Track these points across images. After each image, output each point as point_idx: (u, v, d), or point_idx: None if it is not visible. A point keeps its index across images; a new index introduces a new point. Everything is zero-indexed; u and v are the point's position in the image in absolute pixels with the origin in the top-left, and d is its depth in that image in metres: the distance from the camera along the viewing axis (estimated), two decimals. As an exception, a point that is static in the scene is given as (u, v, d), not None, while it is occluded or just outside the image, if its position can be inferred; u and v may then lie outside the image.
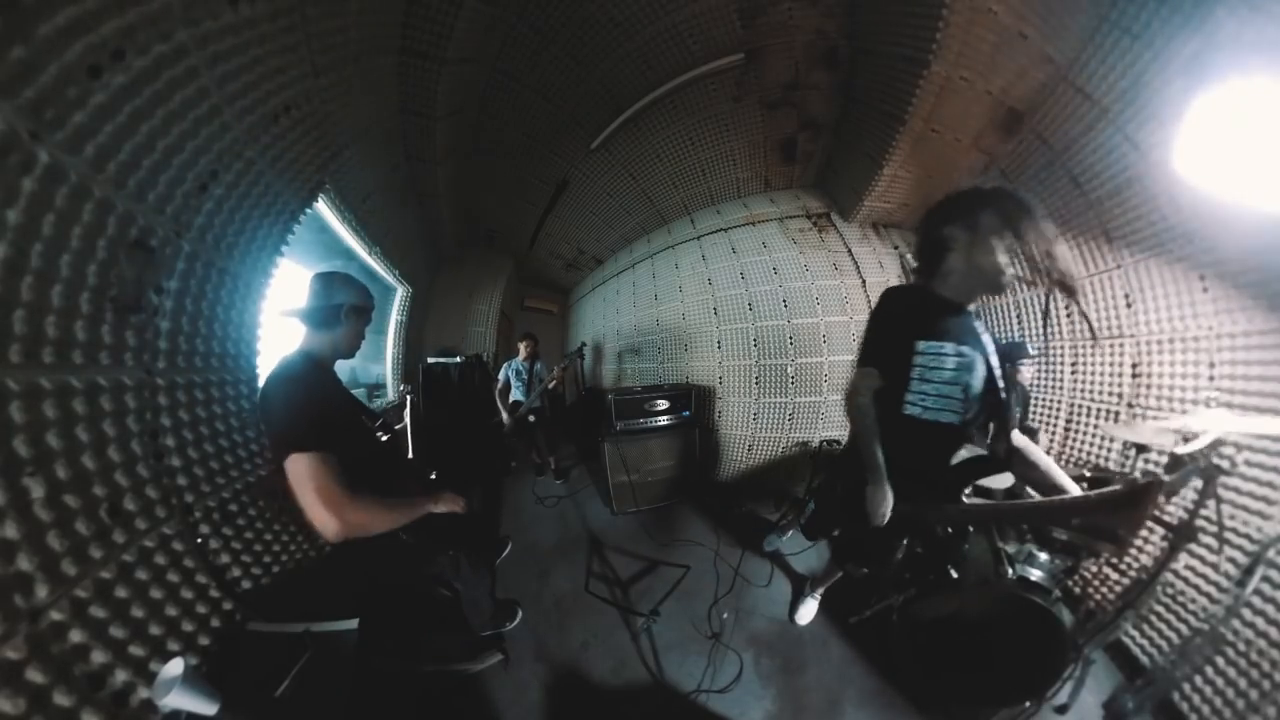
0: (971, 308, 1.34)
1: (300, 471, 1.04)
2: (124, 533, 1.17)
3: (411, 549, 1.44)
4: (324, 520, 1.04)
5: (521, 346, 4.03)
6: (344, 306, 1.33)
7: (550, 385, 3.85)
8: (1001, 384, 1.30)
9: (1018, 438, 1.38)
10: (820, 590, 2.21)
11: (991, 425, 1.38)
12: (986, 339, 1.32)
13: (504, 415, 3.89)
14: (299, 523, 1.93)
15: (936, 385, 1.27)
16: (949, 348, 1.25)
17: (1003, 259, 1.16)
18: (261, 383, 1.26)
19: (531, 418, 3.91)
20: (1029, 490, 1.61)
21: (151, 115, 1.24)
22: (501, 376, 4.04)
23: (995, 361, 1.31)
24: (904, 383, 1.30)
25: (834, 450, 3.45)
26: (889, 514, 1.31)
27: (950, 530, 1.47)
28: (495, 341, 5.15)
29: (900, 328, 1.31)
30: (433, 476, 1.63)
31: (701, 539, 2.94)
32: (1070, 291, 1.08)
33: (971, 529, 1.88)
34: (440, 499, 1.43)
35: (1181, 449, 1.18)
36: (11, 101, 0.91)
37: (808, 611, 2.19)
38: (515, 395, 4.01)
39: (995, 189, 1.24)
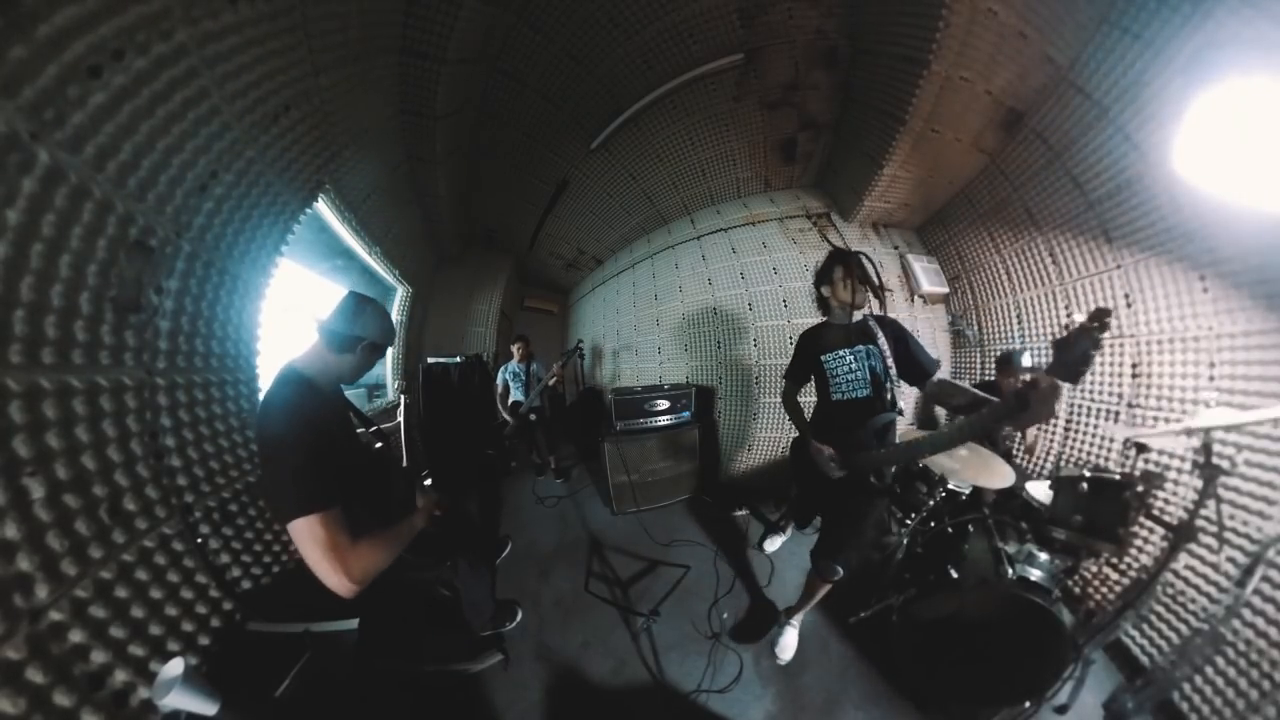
0: (856, 319, 1.89)
1: (305, 536, 1.01)
2: (124, 533, 1.17)
3: (407, 563, 1.43)
4: (334, 582, 1.03)
5: (515, 349, 4.05)
6: (363, 341, 1.29)
7: (551, 382, 3.85)
8: (889, 358, 1.77)
9: (939, 377, 1.77)
10: (798, 617, 2.07)
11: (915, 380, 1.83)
12: (881, 335, 1.81)
13: (504, 415, 3.92)
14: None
15: (844, 376, 1.85)
16: (844, 352, 1.84)
17: (849, 291, 1.83)
18: (262, 395, 1.22)
19: (532, 417, 3.92)
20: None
21: (151, 115, 1.24)
22: (499, 381, 4.07)
23: (885, 346, 1.79)
24: (826, 382, 1.89)
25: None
26: (837, 465, 1.69)
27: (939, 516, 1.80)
28: (495, 341, 5.16)
29: (809, 352, 1.97)
30: (427, 482, 1.63)
31: (701, 539, 2.94)
32: (881, 292, 1.84)
33: (971, 529, 1.89)
34: (420, 513, 1.43)
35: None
36: (11, 101, 0.92)
37: (788, 643, 2.03)
38: (515, 396, 4.02)
39: (833, 253, 1.91)
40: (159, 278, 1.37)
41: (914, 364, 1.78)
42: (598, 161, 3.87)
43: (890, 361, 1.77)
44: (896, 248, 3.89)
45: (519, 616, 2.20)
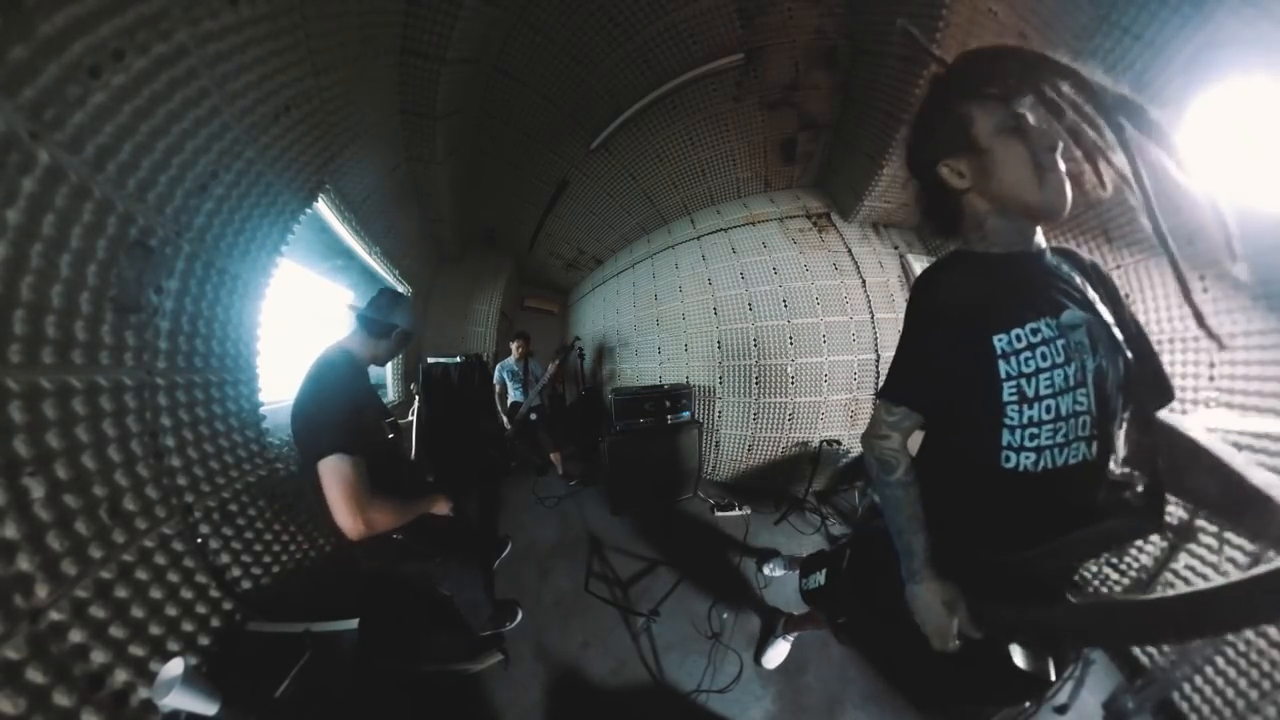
0: (1039, 247, 0.83)
1: (334, 472, 1.14)
2: (124, 533, 1.17)
3: (402, 546, 1.50)
4: (348, 521, 1.15)
5: (514, 347, 4.02)
6: (398, 329, 1.51)
7: (548, 379, 3.83)
8: (1122, 346, 0.79)
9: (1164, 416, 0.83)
10: (795, 635, 1.95)
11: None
12: (1079, 277, 0.83)
13: (504, 420, 3.90)
14: (299, 523, 1.94)
15: (1052, 400, 0.73)
16: (1044, 327, 0.75)
17: (1032, 162, 0.75)
18: (312, 366, 1.36)
19: (533, 416, 3.91)
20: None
21: (151, 115, 1.24)
22: (496, 379, 4.04)
23: (1103, 309, 0.80)
24: (996, 416, 0.76)
25: (834, 450, 3.45)
26: (957, 631, 0.80)
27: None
28: (495, 341, 5.16)
29: (958, 327, 0.80)
30: (430, 479, 1.66)
31: (701, 539, 2.94)
32: (1162, 134, 0.67)
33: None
34: (435, 501, 1.53)
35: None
36: (11, 101, 0.91)
37: (777, 654, 1.93)
38: (514, 396, 4.01)
39: (956, 64, 0.80)
40: (159, 278, 1.37)
41: (1148, 364, 0.84)
42: (598, 161, 3.87)
43: (1126, 355, 0.79)
44: (896, 248, 3.89)
45: (519, 616, 2.20)
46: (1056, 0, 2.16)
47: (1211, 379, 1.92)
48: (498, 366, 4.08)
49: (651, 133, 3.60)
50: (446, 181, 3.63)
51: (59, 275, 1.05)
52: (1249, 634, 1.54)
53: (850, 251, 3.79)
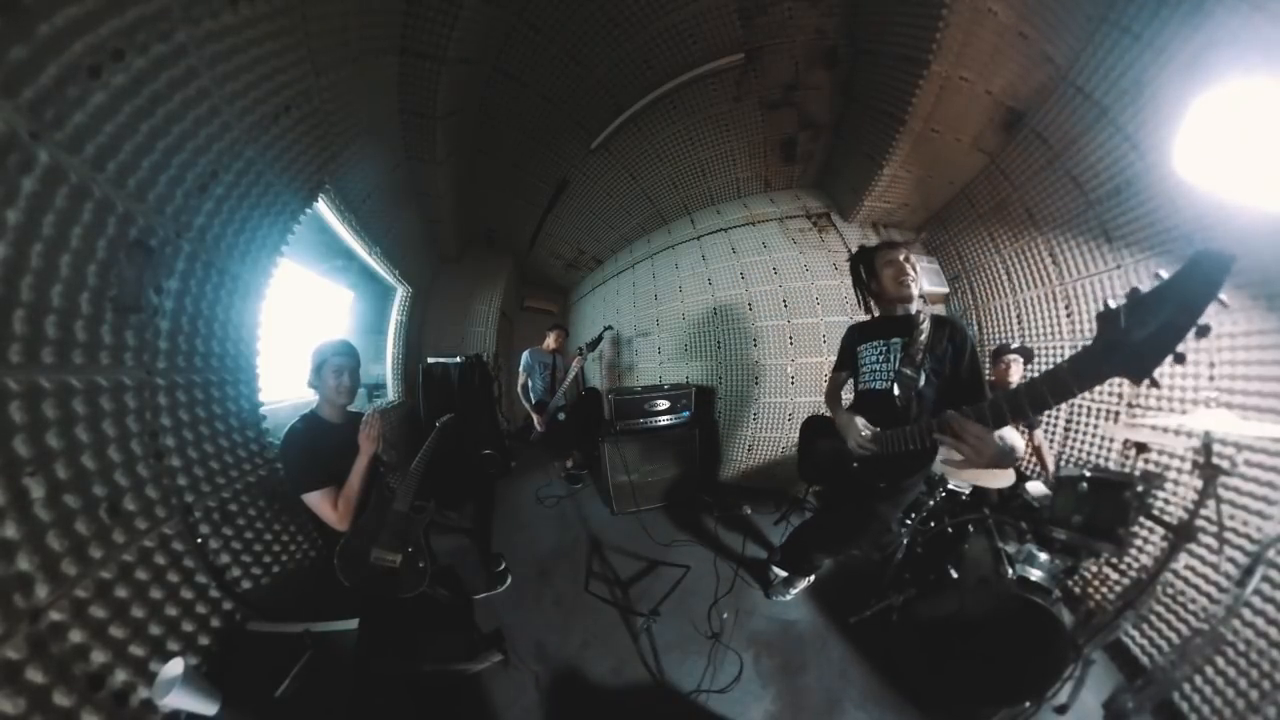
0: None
1: (310, 504, 1.62)
2: (124, 533, 1.17)
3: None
4: (333, 523, 1.64)
5: (551, 336, 3.95)
6: (311, 372, 1.75)
7: (572, 377, 3.77)
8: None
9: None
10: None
11: None
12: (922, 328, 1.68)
13: (535, 419, 3.86)
14: (298, 523, 1.94)
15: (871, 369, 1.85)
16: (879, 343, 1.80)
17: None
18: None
19: (561, 416, 3.85)
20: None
21: (151, 115, 1.24)
22: (523, 368, 3.94)
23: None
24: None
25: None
26: (861, 429, 1.61)
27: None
28: (495, 341, 5.16)
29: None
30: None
31: (701, 539, 2.94)
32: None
33: (971, 529, 1.89)
34: (361, 454, 1.72)
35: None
36: (11, 101, 0.91)
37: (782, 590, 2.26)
38: (535, 392, 3.93)
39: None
40: (159, 278, 1.37)
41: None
42: (598, 161, 3.87)
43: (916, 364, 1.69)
44: (896, 248, 3.89)
45: (508, 581, 2.42)
46: (1056, 0, 2.16)
47: (1211, 379, 1.92)
48: (525, 353, 3.97)
49: (651, 133, 3.59)
50: (446, 181, 3.63)
51: (59, 275, 1.05)
52: (1249, 634, 1.54)
53: (850, 251, 3.78)
